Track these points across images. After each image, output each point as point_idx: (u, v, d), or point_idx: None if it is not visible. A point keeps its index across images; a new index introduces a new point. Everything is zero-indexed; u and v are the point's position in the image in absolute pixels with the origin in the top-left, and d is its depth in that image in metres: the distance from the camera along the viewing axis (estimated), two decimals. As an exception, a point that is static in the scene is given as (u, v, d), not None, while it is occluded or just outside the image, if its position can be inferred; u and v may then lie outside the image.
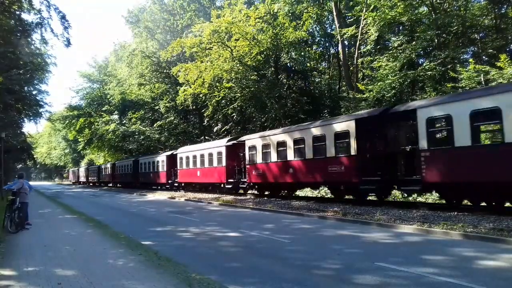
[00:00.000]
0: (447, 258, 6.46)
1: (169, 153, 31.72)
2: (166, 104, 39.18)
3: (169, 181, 30.64)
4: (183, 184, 28.67)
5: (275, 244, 8.10)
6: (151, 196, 26.71)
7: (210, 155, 23.89)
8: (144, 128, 40.81)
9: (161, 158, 32.39)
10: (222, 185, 23.11)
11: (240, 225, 10.99)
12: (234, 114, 32.16)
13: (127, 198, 26.56)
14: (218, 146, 23.47)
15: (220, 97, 28.38)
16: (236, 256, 7.17)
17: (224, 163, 22.32)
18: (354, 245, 7.80)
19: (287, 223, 11.17)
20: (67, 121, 53.95)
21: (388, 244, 7.88)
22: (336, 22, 24.99)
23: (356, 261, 6.37)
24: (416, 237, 8.43)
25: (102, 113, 47.76)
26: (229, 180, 21.96)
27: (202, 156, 25.08)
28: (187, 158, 27.18)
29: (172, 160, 30.52)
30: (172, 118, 39.62)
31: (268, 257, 6.98)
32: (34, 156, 53.35)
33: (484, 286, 4.86)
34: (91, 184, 61.34)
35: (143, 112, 43.42)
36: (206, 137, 37.04)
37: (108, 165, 50.67)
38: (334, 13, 24.62)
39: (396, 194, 16.65)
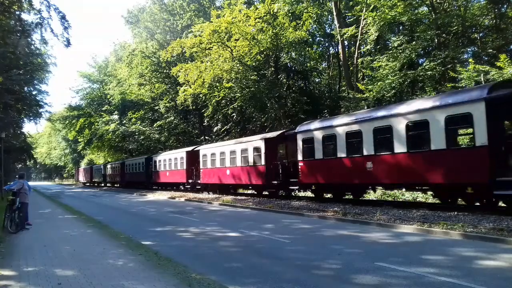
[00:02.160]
0: (447, 258, 6.46)
1: (268, 135, 19.47)
2: (166, 104, 39.20)
3: (274, 182, 18.11)
4: (313, 187, 16.78)
5: (275, 244, 8.10)
6: (151, 196, 26.70)
7: (386, 130, 12.43)
8: (144, 128, 40.81)
9: (250, 145, 19.70)
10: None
11: (240, 225, 10.99)
12: (234, 114, 32.17)
13: (127, 198, 26.56)
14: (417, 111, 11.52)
15: (220, 97, 28.39)
16: (236, 256, 7.17)
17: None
18: (354, 245, 7.79)
19: (287, 223, 11.17)
20: (67, 121, 54.06)
21: (388, 244, 7.88)
22: (336, 22, 24.99)
23: (356, 261, 6.37)
24: (416, 237, 8.42)
25: (102, 113, 47.79)
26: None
27: (353, 134, 13.58)
28: (329, 138, 14.69)
29: (272, 145, 18.96)
30: (172, 118, 39.64)
31: (268, 257, 6.98)
32: (34, 156, 53.24)
33: (484, 286, 4.86)
34: (108, 185, 50.42)
35: (143, 112, 43.45)
36: (206, 137, 37.05)
37: (140, 160, 37.49)
38: (334, 13, 24.61)
39: (396, 194, 16.67)
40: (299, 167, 16.14)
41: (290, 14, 26.37)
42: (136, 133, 40.70)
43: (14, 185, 10.84)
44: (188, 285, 5.01)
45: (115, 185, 47.32)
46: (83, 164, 74.72)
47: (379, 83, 19.64)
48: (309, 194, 18.86)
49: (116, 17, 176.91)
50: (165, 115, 40.26)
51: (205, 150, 24.70)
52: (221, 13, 25.30)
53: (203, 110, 32.99)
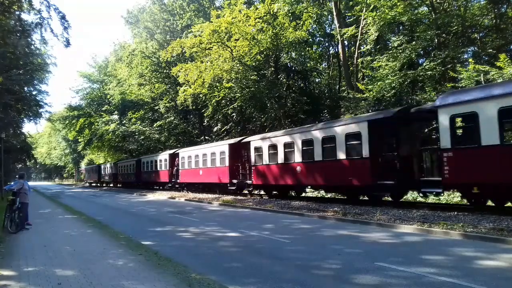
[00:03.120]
0: (447, 258, 6.46)
1: (374, 116, 14.02)
2: (166, 104, 39.21)
3: (386, 182, 12.60)
4: (474, 188, 10.82)
5: (275, 244, 8.10)
6: (151, 196, 26.70)
7: None
8: (144, 128, 40.81)
9: (341, 132, 14.28)
10: None
11: (240, 225, 10.99)
12: (234, 114, 32.19)
13: (127, 198, 26.56)
14: None
15: (220, 97, 28.39)
16: (236, 256, 7.17)
17: None
18: (354, 245, 7.79)
19: (287, 223, 11.17)
20: (67, 121, 54.04)
21: (388, 244, 7.88)
22: (336, 22, 24.99)
23: (356, 261, 6.37)
24: (416, 237, 8.43)
25: (102, 113, 47.82)
26: None
27: None
28: None
29: (380, 130, 13.20)
30: (172, 118, 39.65)
31: (268, 257, 6.98)
32: (34, 156, 53.17)
33: (484, 286, 4.86)
34: (119, 185, 46.35)
35: (143, 112, 43.47)
36: (206, 137, 37.05)
37: (162, 157, 32.14)
38: (334, 13, 24.62)
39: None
40: (444, 158, 10.73)
41: (290, 14, 26.38)
42: (136, 133, 40.69)
43: (14, 185, 10.85)
44: (188, 285, 5.01)
45: (126, 186, 43.08)
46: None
47: (379, 83, 19.64)
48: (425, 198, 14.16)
49: (116, 17, 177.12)
50: (165, 115, 40.26)
51: (259, 141, 19.33)
52: (221, 13, 25.31)
53: (203, 110, 33.01)
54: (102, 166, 54.59)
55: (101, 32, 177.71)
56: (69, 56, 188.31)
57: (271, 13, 25.07)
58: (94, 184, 58.89)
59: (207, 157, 24.30)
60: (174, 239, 9.25)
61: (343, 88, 28.48)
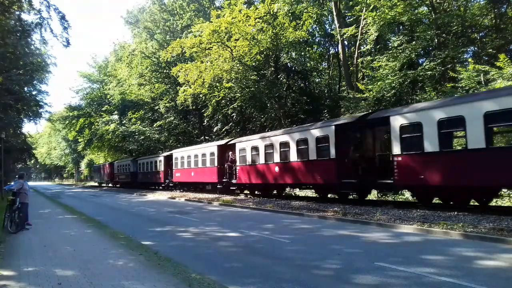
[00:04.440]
0: (447, 258, 6.46)
1: None
2: (166, 104, 39.22)
3: None
4: None
5: (275, 244, 8.10)
6: (151, 196, 26.70)
7: None
8: (144, 128, 40.80)
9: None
10: None
11: (240, 225, 10.98)
12: (234, 114, 32.19)
13: (127, 198, 26.56)
14: None
15: (220, 97, 28.39)
16: (236, 256, 7.17)
17: None
18: (354, 245, 7.79)
19: (287, 223, 11.16)
20: (67, 121, 54.14)
21: (388, 244, 7.88)
22: (336, 22, 25.00)
23: (356, 261, 6.37)
24: (416, 237, 8.42)
25: (102, 113, 47.84)
26: None
27: None
28: None
29: None
30: (172, 118, 39.65)
31: (268, 257, 6.97)
32: (35, 156, 53.13)
33: (484, 286, 4.86)
34: (129, 184, 40.85)
35: (143, 112, 43.49)
36: (206, 137, 37.07)
37: (204, 150, 25.08)
38: (334, 13, 24.63)
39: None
40: None
41: (290, 14, 26.40)
42: (136, 133, 40.69)
43: (14, 185, 10.84)
44: (188, 285, 5.01)
45: (146, 187, 36.79)
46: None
47: (379, 83, 19.65)
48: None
49: (116, 17, 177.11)
50: (165, 115, 40.27)
51: (410, 115, 11.78)
52: (221, 13, 25.31)
53: (203, 110, 33.00)
54: (116, 164, 47.79)
55: (101, 32, 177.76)
56: (69, 56, 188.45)
57: (271, 13, 25.08)
58: (105, 185, 53.64)
59: (289, 147, 16.97)
60: (174, 239, 9.25)
61: (343, 88, 28.49)
